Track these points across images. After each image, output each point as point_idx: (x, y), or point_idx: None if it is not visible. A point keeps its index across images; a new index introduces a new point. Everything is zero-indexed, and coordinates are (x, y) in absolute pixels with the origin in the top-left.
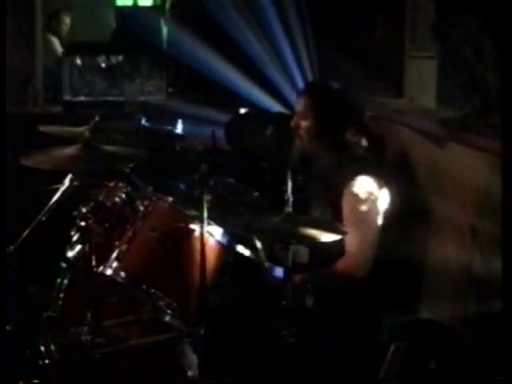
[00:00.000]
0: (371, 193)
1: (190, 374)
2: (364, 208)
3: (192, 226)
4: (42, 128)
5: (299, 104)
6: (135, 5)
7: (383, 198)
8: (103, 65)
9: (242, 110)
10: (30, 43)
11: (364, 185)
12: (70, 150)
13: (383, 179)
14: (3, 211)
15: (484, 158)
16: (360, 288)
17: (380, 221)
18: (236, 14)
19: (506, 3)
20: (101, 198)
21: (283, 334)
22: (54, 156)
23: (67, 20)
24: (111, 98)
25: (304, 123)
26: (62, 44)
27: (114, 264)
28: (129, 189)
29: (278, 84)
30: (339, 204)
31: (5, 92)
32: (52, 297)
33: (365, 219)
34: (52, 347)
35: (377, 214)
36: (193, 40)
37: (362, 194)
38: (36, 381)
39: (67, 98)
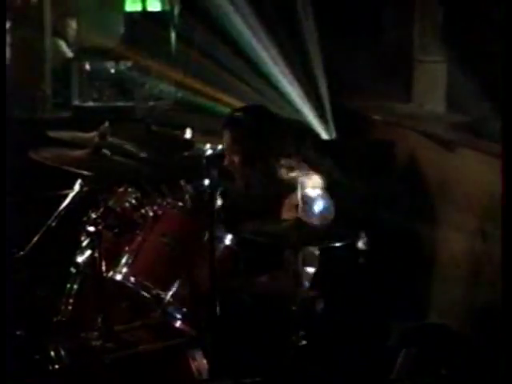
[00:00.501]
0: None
1: (199, 378)
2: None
3: (202, 232)
4: (51, 134)
5: (224, 139)
6: (144, 10)
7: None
8: (112, 70)
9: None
10: (38, 48)
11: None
12: (79, 153)
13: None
14: (3, 212)
15: (494, 163)
16: (370, 293)
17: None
18: (244, 18)
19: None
20: (110, 203)
21: (293, 338)
22: (63, 155)
23: (73, 24)
24: (120, 104)
25: (235, 157)
26: (69, 48)
27: (124, 269)
28: (138, 194)
29: (287, 87)
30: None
31: (5, 92)
32: (62, 302)
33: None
34: (62, 352)
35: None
36: (201, 45)
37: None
38: None
39: (76, 103)
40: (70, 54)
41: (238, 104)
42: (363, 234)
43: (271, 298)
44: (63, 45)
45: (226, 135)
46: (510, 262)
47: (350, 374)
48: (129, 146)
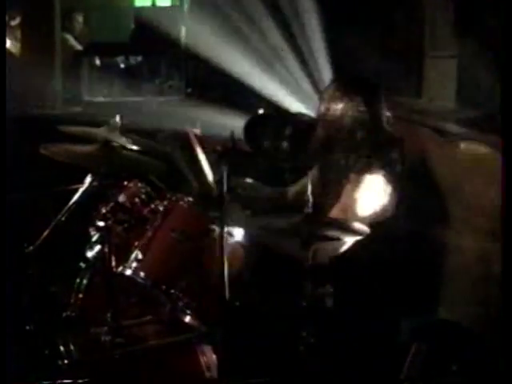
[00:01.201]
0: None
1: (209, 374)
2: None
3: (211, 227)
4: (62, 128)
5: (331, 91)
6: (154, 5)
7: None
8: (122, 65)
9: (261, 111)
10: (48, 44)
11: (369, 180)
12: (88, 148)
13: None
14: (3, 210)
15: None
16: (381, 289)
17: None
18: (255, 13)
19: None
20: (120, 198)
21: (303, 334)
22: (72, 150)
23: (80, 19)
24: (130, 99)
25: (332, 110)
26: (78, 43)
27: (134, 264)
28: (148, 189)
29: (297, 84)
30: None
31: (5, 92)
32: (71, 297)
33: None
34: (71, 347)
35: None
36: (211, 40)
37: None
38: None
39: (86, 98)
40: (79, 48)
41: (249, 97)
42: None
43: (281, 293)
44: (72, 40)
45: (336, 88)
46: (510, 262)
47: (359, 371)
48: (139, 141)
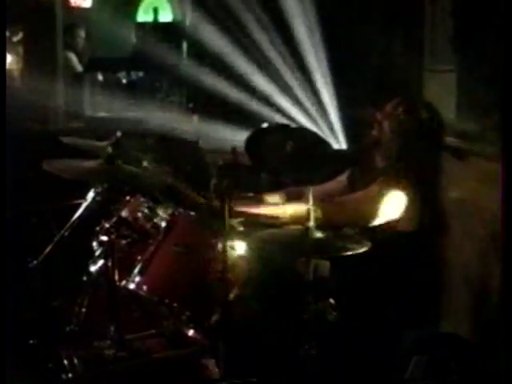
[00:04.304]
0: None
1: None
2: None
3: (214, 241)
4: (64, 139)
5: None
6: (155, 21)
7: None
8: (124, 81)
9: (263, 125)
10: (50, 59)
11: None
12: (91, 164)
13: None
14: (3, 212)
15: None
16: (381, 301)
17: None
18: (256, 28)
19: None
20: (123, 213)
21: (305, 347)
22: (75, 166)
23: (82, 33)
24: (132, 114)
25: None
26: (79, 59)
27: (137, 278)
28: (151, 204)
29: (299, 98)
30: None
31: (5, 92)
32: (75, 311)
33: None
34: (75, 361)
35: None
36: (213, 55)
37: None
38: None
39: (88, 113)
40: (80, 70)
41: (250, 112)
42: None
43: (282, 307)
44: (74, 60)
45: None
46: (510, 263)
47: (361, 382)
48: (141, 157)
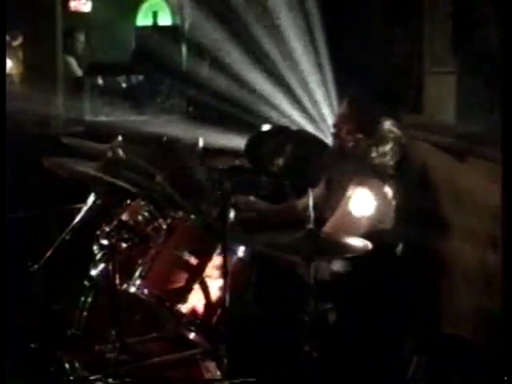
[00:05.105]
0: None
1: None
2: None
3: (215, 244)
4: (65, 140)
5: (345, 107)
6: (155, 25)
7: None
8: (124, 84)
9: (263, 128)
10: (50, 64)
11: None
12: (91, 166)
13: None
14: (3, 213)
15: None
16: (382, 302)
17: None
18: (256, 31)
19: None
20: (124, 216)
21: (306, 349)
22: (75, 167)
23: (81, 38)
24: (132, 118)
25: (346, 125)
26: (79, 63)
27: (138, 282)
28: (151, 207)
29: (298, 101)
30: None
31: (4, 92)
32: (76, 315)
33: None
34: (76, 365)
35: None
36: (212, 58)
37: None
38: None
39: (88, 117)
40: (80, 74)
41: (250, 115)
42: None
43: (283, 309)
44: (74, 65)
45: (350, 105)
46: (510, 262)
47: (363, 383)
48: (141, 162)
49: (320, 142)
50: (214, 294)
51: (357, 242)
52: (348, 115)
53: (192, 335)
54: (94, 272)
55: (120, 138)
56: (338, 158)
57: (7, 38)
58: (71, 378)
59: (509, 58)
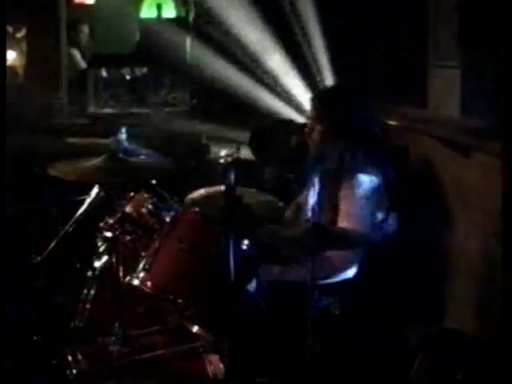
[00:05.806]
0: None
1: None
2: (358, 204)
3: (218, 237)
4: (69, 140)
5: (311, 109)
6: (159, 17)
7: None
8: (128, 77)
9: (267, 121)
10: (54, 56)
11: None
12: (95, 162)
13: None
14: (3, 212)
15: None
16: (386, 297)
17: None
18: (258, 25)
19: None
20: (127, 209)
21: (309, 343)
22: (79, 167)
23: (85, 29)
24: (136, 110)
25: (317, 127)
26: (83, 55)
27: (141, 274)
28: (155, 200)
29: (301, 94)
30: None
31: (5, 92)
32: (79, 307)
33: (357, 214)
34: (79, 357)
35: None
36: (216, 51)
37: (358, 191)
38: None
39: (92, 110)
40: (84, 66)
41: (254, 108)
42: None
43: (287, 302)
44: (78, 57)
45: (315, 106)
46: (510, 261)
47: (365, 379)
48: (145, 152)
49: None
50: (217, 286)
51: (359, 236)
52: (314, 116)
53: (195, 328)
54: (97, 264)
55: (123, 129)
56: (317, 161)
57: (11, 29)
58: (74, 370)
59: (509, 58)
